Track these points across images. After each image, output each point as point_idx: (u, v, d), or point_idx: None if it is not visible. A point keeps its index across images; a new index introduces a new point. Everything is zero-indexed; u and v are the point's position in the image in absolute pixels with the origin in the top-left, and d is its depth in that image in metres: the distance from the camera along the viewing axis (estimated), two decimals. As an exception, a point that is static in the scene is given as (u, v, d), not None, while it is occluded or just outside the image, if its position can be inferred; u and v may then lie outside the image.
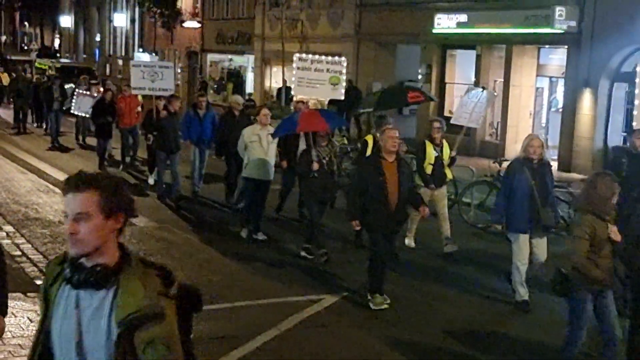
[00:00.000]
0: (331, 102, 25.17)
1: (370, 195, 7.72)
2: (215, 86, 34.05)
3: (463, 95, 13.43)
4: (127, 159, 17.15)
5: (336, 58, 13.15)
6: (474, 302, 8.40)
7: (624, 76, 17.76)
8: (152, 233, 10.84)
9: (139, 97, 16.86)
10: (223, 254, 9.89)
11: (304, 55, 13.19)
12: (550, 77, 20.26)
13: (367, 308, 7.92)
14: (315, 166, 9.44)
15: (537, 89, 20.48)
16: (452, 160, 10.78)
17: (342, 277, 9.04)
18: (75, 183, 2.61)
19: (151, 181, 14.74)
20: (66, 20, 54.76)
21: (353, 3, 25.74)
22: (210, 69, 36.00)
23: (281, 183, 12.04)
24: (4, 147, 19.65)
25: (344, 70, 12.96)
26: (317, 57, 13.36)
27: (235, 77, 33.50)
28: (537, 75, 20.37)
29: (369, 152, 9.74)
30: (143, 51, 39.70)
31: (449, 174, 10.65)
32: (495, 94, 16.62)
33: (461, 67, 22.82)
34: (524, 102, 20.36)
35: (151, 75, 14.11)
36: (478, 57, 21.23)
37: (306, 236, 9.90)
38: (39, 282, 8.18)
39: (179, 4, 36.31)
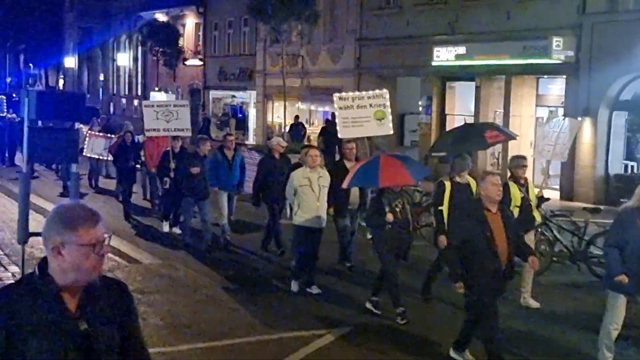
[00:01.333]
0: (322, 133, 25.36)
1: (475, 253, 6.71)
2: (218, 122, 34.31)
3: (544, 125, 12.37)
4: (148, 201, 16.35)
5: (377, 91, 12.44)
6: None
7: (623, 104, 17.89)
8: (156, 270, 10.87)
9: (169, 138, 16.09)
10: (227, 290, 9.89)
11: (343, 94, 12.44)
12: (550, 107, 20.39)
13: (373, 342, 7.91)
14: (390, 217, 8.49)
15: (537, 119, 20.61)
16: (541, 200, 9.90)
17: (347, 311, 9.02)
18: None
19: (165, 229, 13.70)
20: (70, 61, 55.38)
21: (352, 37, 26.05)
22: (212, 105, 36.31)
23: (336, 230, 11.11)
24: (12, 189, 19.73)
25: (388, 103, 12.17)
26: (357, 93, 12.62)
27: (238, 114, 33.78)
28: (536, 106, 20.52)
29: (446, 199, 8.91)
30: (159, 90, 39.67)
31: (538, 217, 9.59)
32: (580, 119, 15.19)
33: (461, 98, 23.00)
34: (524, 132, 20.44)
35: (165, 115, 13.37)
36: (477, 88, 21.41)
37: (375, 288, 8.99)
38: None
39: (181, 42, 36.77)
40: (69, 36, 55.33)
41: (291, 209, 10.63)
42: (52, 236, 2.90)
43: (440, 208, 9.02)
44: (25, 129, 9.00)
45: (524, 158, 9.44)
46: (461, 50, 21.03)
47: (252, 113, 32.92)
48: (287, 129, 26.26)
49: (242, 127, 33.19)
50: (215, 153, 12.55)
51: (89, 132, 19.44)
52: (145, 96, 42.91)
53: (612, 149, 17.98)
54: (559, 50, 18.24)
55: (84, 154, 18.98)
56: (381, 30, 24.81)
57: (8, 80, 69.51)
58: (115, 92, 47.84)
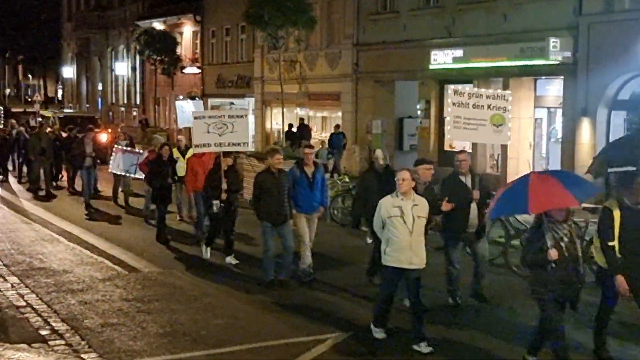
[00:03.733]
0: (287, 137, 25.09)
1: None
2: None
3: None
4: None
5: (499, 91, 10.60)
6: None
7: (622, 104, 17.87)
8: (155, 278, 10.84)
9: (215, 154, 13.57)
10: (227, 298, 9.87)
11: (459, 87, 10.38)
12: (549, 108, 20.38)
13: (374, 347, 7.87)
14: (554, 254, 6.74)
15: (535, 120, 20.60)
16: None
17: (348, 315, 9.00)
18: None
19: (206, 255, 12.07)
20: (68, 71, 55.45)
21: (350, 43, 26.07)
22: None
23: (446, 261, 9.47)
24: (13, 201, 19.70)
25: (509, 107, 10.36)
26: (475, 90, 10.68)
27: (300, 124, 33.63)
28: (535, 107, 20.50)
29: (616, 231, 7.32)
30: (193, 97, 35.31)
31: None
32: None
33: (459, 101, 22.96)
34: (523, 133, 20.46)
35: (219, 127, 11.69)
36: (475, 91, 21.39)
37: (532, 344, 7.36)
38: (43, 332, 8.19)
39: (178, 50, 36.82)
40: (67, 46, 55.41)
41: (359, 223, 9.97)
42: None
43: (611, 244, 7.36)
44: None
45: None
46: (458, 53, 21.04)
47: (250, 120, 32.89)
48: (285, 134, 26.07)
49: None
50: (293, 170, 10.75)
51: (115, 147, 17.87)
52: (144, 106, 43.03)
53: (611, 148, 17.95)
54: (556, 51, 18.23)
55: (109, 170, 17.93)
56: (378, 35, 24.83)
57: (7, 91, 69.62)
58: (114, 101, 47.88)
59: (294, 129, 27.02)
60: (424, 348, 7.69)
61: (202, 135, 11.83)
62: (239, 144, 11.96)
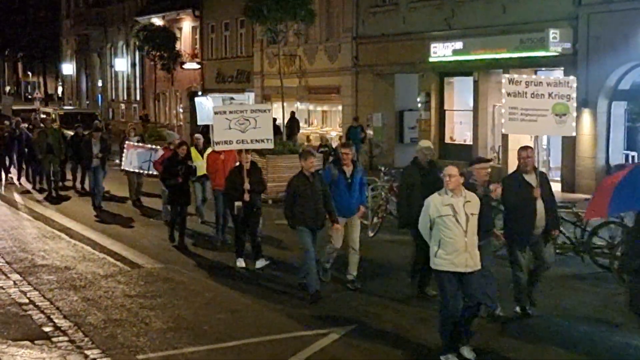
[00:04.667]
0: (277, 132, 24.57)
1: None
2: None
3: None
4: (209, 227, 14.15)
5: (561, 78, 9.76)
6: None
7: (622, 94, 17.85)
8: (158, 274, 10.85)
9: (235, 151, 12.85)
10: (229, 292, 9.88)
11: (515, 76, 9.54)
12: (549, 99, 20.32)
13: (377, 340, 7.88)
14: None
15: (536, 111, 20.54)
16: None
17: (350, 309, 9.00)
18: None
19: (240, 264, 11.11)
20: (68, 68, 55.40)
21: (349, 36, 26.03)
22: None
23: (512, 272, 8.66)
24: (15, 199, 19.70)
25: (574, 94, 9.40)
26: (533, 77, 9.75)
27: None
28: (535, 98, 20.46)
29: None
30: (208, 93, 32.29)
31: None
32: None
33: (459, 93, 22.98)
34: (524, 125, 20.41)
35: (240, 123, 11.06)
36: (475, 83, 21.39)
37: None
38: (46, 329, 8.20)
39: (178, 46, 36.77)
40: (67, 43, 55.38)
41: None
42: None
43: None
44: None
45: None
46: (458, 45, 21.01)
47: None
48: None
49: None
50: (330, 169, 10.04)
51: (127, 143, 17.07)
52: (144, 102, 43.00)
53: (612, 139, 17.94)
54: (556, 42, 18.21)
55: (122, 167, 17.20)
56: (378, 28, 24.79)
57: (7, 89, 69.62)
58: (114, 97, 47.87)
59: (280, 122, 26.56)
60: (467, 353, 7.22)
61: (223, 132, 11.14)
62: (262, 141, 11.29)
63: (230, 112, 11.34)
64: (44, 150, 18.79)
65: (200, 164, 13.53)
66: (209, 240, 13.24)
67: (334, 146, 21.35)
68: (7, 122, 26.24)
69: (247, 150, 11.19)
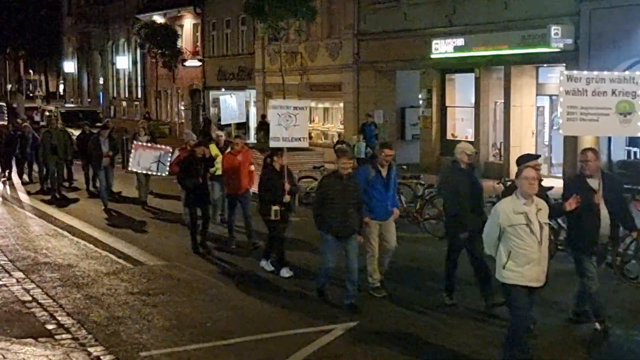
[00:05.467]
0: (261, 127, 24.03)
1: None
2: (219, 122, 34.30)
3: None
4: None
5: (627, 73, 9.11)
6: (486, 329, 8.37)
7: (624, 90, 17.82)
8: (160, 271, 10.87)
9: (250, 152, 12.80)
10: (232, 289, 9.89)
11: (575, 73, 8.90)
12: (551, 96, 20.34)
13: (379, 337, 7.90)
14: None
15: (537, 108, 20.57)
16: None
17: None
18: None
19: (268, 267, 10.69)
20: (69, 66, 55.42)
21: (350, 33, 26.02)
22: (212, 105, 36.32)
23: (583, 281, 7.99)
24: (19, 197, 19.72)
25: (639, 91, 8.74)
26: (595, 73, 8.95)
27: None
28: (537, 95, 20.48)
29: None
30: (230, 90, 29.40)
31: None
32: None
33: (461, 90, 22.98)
34: (526, 121, 20.44)
35: (286, 119, 10.57)
36: (477, 79, 21.39)
37: None
38: (50, 327, 8.22)
39: (179, 43, 36.78)
40: (68, 41, 55.38)
41: None
42: None
43: None
44: None
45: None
46: (459, 42, 21.00)
47: (252, 112, 32.90)
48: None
49: (243, 126, 33.13)
50: (366, 170, 9.42)
51: (134, 143, 16.48)
52: (145, 100, 42.99)
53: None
54: (557, 38, 18.19)
55: (129, 168, 16.65)
56: (379, 25, 24.78)
57: (9, 87, 69.66)
58: (115, 95, 47.89)
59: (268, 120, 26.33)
60: None
61: (274, 128, 10.61)
62: (299, 139, 10.73)
63: (281, 107, 10.85)
64: (48, 151, 18.27)
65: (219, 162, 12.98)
66: (225, 243, 12.55)
67: (351, 144, 20.95)
68: (19, 120, 25.97)
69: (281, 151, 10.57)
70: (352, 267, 8.91)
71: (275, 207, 10.28)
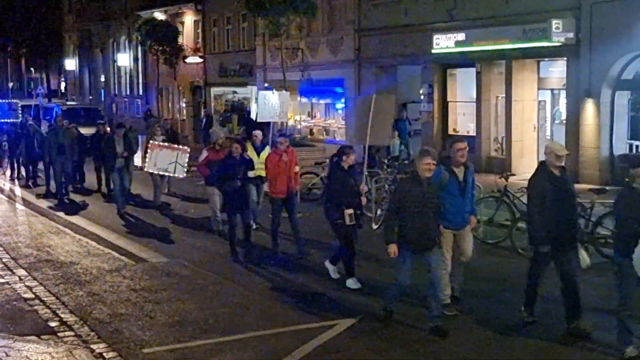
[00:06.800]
0: (244, 122, 23.53)
1: None
2: (221, 119, 34.32)
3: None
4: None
5: None
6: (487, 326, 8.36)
7: (626, 84, 17.80)
8: (163, 268, 10.88)
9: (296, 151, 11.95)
10: (234, 286, 9.90)
11: None
12: (552, 90, 20.31)
13: (383, 331, 7.90)
14: None
15: (539, 102, 20.54)
16: None
17: (355, 301, 9.02)
18: None
19: (334, 274, 9.94)
20: (70, 63, 55.41)
21: (351, 28, 25.99)
22: (214, 102, 36.32)
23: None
24: (21, 194, 19.71)
25: None
26: None
27: (240, 109, 33.75)
28: (538, 89, 20.44)
29: None
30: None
31: None
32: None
33: (462, 85, 22.93)
34: (527, 116, 20.41)
35: (367, 114, 10.03)
36: (478, 74, 21.34)
37: None
38: (52, 324, 8.24)
39: (180, 40, 36.76)
40: (69, 39, 55.36)
41: None
42: None
43: None
44: None
45: None
46: (460, 36, 20.95)
47: (253, 108, 32.92)
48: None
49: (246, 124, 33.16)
50: (439, 173, 8.10)
51: (150, 142, 15.83)
52: (147, 97, 42.99)
53: (616, 129, 17.89)
54: (558, 32, 18.13)
55: (145, 169, 15.94)
56: (380, 20, 24.73)
57: (11, 85, 69.68)
58: (116, 92, 47.90)
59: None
60: None
61: (358, 125, 9.90)
62: (380, 137, 10.08)
63: (376, 103, 9.99)
64: (54, 151, 17.25)
65: (256, 163, 12.30)
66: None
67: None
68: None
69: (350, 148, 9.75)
70: (436, 280, 7.76)
71: (349, 211, 9.43)
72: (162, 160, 15.31)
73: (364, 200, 9.64)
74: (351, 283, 9.53)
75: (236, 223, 11.12)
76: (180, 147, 15.90)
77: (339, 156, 9.61)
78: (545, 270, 7.91)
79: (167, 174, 15.60)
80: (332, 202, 9.60)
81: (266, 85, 26.67)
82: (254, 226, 12.71)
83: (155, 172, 15.67)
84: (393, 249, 7.75)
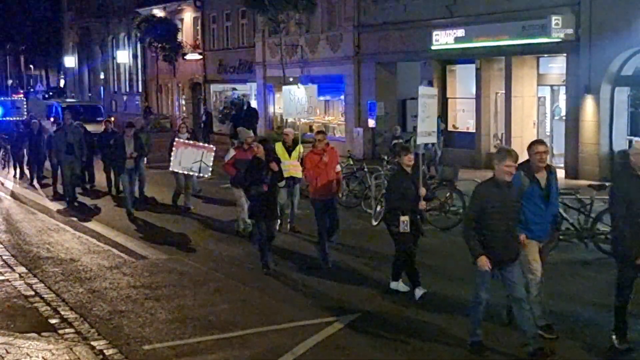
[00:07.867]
0: (232, 119, 23.36)
1: None
2: (220, 116, 34.33)
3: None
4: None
5: None
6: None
7: (625, 80, 17.81)
8: (163, 265, 10.88)
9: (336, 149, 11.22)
10: (234, 282, 9.91)
11: None
12: (552, 86, 20.31)
13: (382, 328, 7.92)
14: None
15: (539, 98, 20.55)
16: None
17: (355, 298, 9.03)
18: None
19: (403, 288, 9.12)
20: (70, 61, 55.40)
21: (351, 25, 25.97)
22: (214, 99, 36.31)
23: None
24: (20, 192, 19.71)
25: None
26: None
27: (239, 106, 33.74)
28: (538, 85, 20.45)
29: None
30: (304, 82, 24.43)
31: None
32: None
33: (462, 81, 22.94)
34: (527, 112, 20.42)
35: (422, 110, 9.40)
36: (478, 70, 21.35)
37: None
38: (53, 321, 8.25)
39: (179, 37, 36.74)
40: (68, 36, 55.32)
41: None
42: None
43: None
44: None
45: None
46: (460, 33, 20.95)
47: (253, 105, 32.92)
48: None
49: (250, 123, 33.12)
50: (520, 178, 7.03)
51: (176, 140, 14.96)
52: (146, 94, 42.98)
53: (615, 125, 17.91)
54: (558, 28, 18.14)
55: (170, 169, 15.03)
56: (379, 17, 24.72)
57: (9, 82, 69.65)
58: (116, 89, 47.88)
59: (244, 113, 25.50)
60: None
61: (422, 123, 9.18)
62: (429, 134, 9.46)
63: (422, 96, 9.45)
64: (62, 151, 16.30)
65: (287, 163, 11.82)
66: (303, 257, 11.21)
67: (395, 134, 19.01)
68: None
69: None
70: (519, 297, 6.85)
71: (404, 218, 8.61)
72: (186, 159, 14.62)
73: (422, 204, 8.89)
74: (418, 292, 8.79)
75: (263, 232, 10.32)
76: (206, 145, 15.34)
77: (399, 156, 8.88)
78: (633, 287, 6.99)
79: (192, 173, 14.89)
80: (391, 207, 8.85)
81: (291, 79, 25.41)
82: (287, 228, 12.46)
83: (180, 172, 14.95)
84: (484, 261, 6.70)
